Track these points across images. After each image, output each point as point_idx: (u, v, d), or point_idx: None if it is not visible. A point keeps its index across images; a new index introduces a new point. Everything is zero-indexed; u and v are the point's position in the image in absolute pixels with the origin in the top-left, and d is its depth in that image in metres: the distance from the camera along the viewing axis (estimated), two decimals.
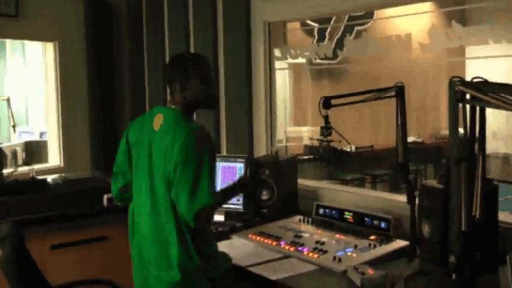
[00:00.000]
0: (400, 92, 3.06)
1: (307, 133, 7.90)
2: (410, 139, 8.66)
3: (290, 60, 4.53)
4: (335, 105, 2.90)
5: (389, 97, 3.08)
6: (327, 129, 2.91)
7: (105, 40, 5.78)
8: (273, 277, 2.71)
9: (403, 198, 3.39)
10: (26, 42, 8.06)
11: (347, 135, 3.02)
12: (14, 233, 2.72)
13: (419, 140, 9.27)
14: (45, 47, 5.82)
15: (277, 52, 4.39)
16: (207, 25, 4.68)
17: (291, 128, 7.88)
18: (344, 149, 3.15)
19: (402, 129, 3.10)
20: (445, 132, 9.78)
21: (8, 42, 9.41)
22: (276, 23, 4.35)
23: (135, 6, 5.61)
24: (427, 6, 6.84)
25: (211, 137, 2.87)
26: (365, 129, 9.12)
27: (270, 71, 4.33)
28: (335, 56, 4.34)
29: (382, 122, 8.92)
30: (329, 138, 2.92)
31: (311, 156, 7.06)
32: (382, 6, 4.14)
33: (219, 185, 3.82)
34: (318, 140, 2.93)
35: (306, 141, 7.78)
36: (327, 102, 2.89)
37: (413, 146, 8.29)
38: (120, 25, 5.82)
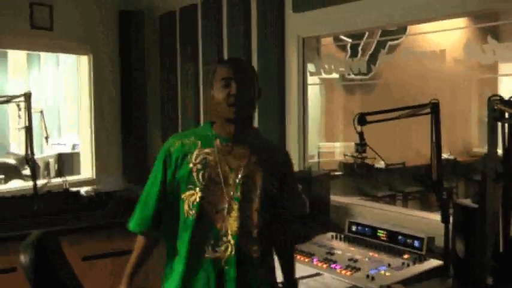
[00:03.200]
0: (434, 108, 3.03)
1: (339, 149, 7.86)
2: (442, 156, 8.56)
3: (322, 76, 4.51)
4: (370, 122, 2.88)
5: (424, 114, 3.05)
6: (361, 145, 2.89)
7: (138, 52, 5.82)
8: None
9: (435, 216, 3.38)
10: (60, 54, 8.16)
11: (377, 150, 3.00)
12: (41, 241, 2.72)
13: (451, 157, 9.16)
14: (79, 60, 5.88)
15: (310, 67, 4.38)
16: (241, 38, 4.68)
17: (323, 144, 7.85)
18: (376, 165, 3.12)
19: (437, 146, 3.07)
20: (478, 149, 9.66)
21: (42, 54, 9.54)
22: (309, 38, 4.34)
23: (168, 18, 5.64)
24: (461, 22, 6.80)
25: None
26: (395, 144, 9.04)
27: (304, 86, 4.32)
28: (368, 71, 4.33)
29: (413, 138, 8.86)
30: (363, 154, 2.90)
31: (340, 173, 7.03)
32: (416, 21, 4.12)
33: None
34: (352, 156, 2.91)
35: (338, 157, 7.74)
36: (362, 119, 2.88)
37: (446, 163, 8.17)
38: (153, 37, 5.87)
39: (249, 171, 2.56)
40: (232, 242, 2.50)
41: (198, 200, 2.50)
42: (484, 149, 8.97)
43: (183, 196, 2.53)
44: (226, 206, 2.50)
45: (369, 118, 2.92)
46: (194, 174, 2.53)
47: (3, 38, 5.10)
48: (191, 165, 2.54)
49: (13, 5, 5.12)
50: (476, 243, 2.66)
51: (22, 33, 5.18)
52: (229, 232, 2.49)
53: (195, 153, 2.56)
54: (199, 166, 2.53)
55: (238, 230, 2.50)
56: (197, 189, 2.52)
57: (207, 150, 2.57)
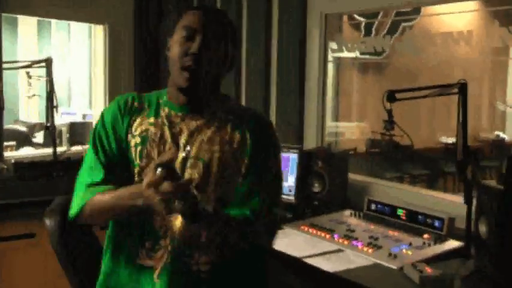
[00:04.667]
0: (462, 89, 3.01)
1: (350, 129, 7.83)
2: (450, 140, 8.57)
3: (335, 54, 4.50)
4: (399, 99, 2.86)
5: (452, 94, 3.04)
6: (390, 123, 2.87)
7: (154, 20, 5.74)
8: (330, 269, 2.68)
9: (454, 197, 3.38)
10: (72, 23, 8.11)
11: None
12: (66, 207, 2.69)
13: None
14: (94, 29, 5.83)
15: (331, 44, 4.35)
16: (262, 14, 4.62)
17: (338, 123, 7.82)
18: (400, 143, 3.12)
19: (463, 127, 3.06)
20: (486, 135, 9.63)
21: (54, 22, 9.47)
22: (332, 15, 4.30)
23: None
24: (473, 4, 6.78)
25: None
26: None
27: (324, 63, 4.29)
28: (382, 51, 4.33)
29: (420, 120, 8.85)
30: (392, 132, 2.89)
31: (351, 152, 7.01)
32: (438, 2, 4.09)
33: None
34: (381, 133, 2.90)
35: (349, 137, 7.70)
36: (391, 96, 2.85)
37: (454, 148, 8.08)
38: (170, 5, 5.79)
39: (200, 150, 1.99)
40: (169, 247, 1.94)
41: None
42: (491, 135, 8.96)
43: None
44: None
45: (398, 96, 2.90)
46: (132, 149, 2.02)
47: (21, 4, 5.05)
48: (130, 136, 2.03)
49: None
50: (499, 224, 2.66)
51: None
52: (169, 233, 1.95)
53: (138, 120, 2.05)
54: (138, 140, 2.01)
55: (180, 231, 1.94)
56: (135, 170, 2.00)
57: (151, 119, 2.04)
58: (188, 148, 1.99)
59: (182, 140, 2.00)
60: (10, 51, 9.17)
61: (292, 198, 3.72)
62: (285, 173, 3.66)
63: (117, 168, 2.03)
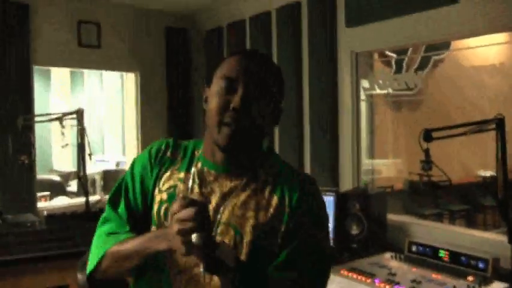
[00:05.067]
0: (500, 124, 2.93)
1: (386, 166, 7.71)
2: (488, 173, 8.39)
3: (367, 92, 4.45)
4: (436, 138, 2.79)
5: (490, 130, 2.96)
6: (427, 163, 2.80)
7: (185, 68, 5.78)
8: None
9: (496, 236, 3.28)
10: (104, 72, 8.20)
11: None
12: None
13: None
14: (125, 77, 5.88)
15: (363, 83, 4.30)
16: (291, 54, 4.61)
17: (369, 161, 7.73)
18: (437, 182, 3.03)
19: (503, 163, 2.97)
20: None
21: (86, 73, 9.60)
22: (362, 53, 4.26)
23: (215, 34, 5.60)
24: (503, 37, 6.70)
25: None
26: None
27: (357, 101, 4.23)
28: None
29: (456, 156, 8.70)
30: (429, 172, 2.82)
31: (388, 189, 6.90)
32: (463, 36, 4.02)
33: None
34: (418, 174, 2.83)
35: (385, 174, 7.58)
36: (428, 135, 2.78)
37: (492, 181, 7.96)
38: (199, 53, 5.83)
39: (232, 215, 1.68)
40: None
41: None
42: None
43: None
44: (193, 265, 1.63)
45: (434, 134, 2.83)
46: (156, 205, 1.77)
47: (52, 56, 5.11)
48: (157, 191, 1.79)
49: (61, 23, 5.14)
50: None
51: (70, 51, 5.19)
52: None
53: (167, 174, 1.80)
54: (164, 196, 1.76)
55: None
56: (153, 228, 1.76)
57: (181, 174, 1.77)
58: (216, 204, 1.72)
59: (213, 203, 1.70)
60: (43, 99, 9.30)
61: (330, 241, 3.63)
62: None
63: (138, 223, 1.80)
